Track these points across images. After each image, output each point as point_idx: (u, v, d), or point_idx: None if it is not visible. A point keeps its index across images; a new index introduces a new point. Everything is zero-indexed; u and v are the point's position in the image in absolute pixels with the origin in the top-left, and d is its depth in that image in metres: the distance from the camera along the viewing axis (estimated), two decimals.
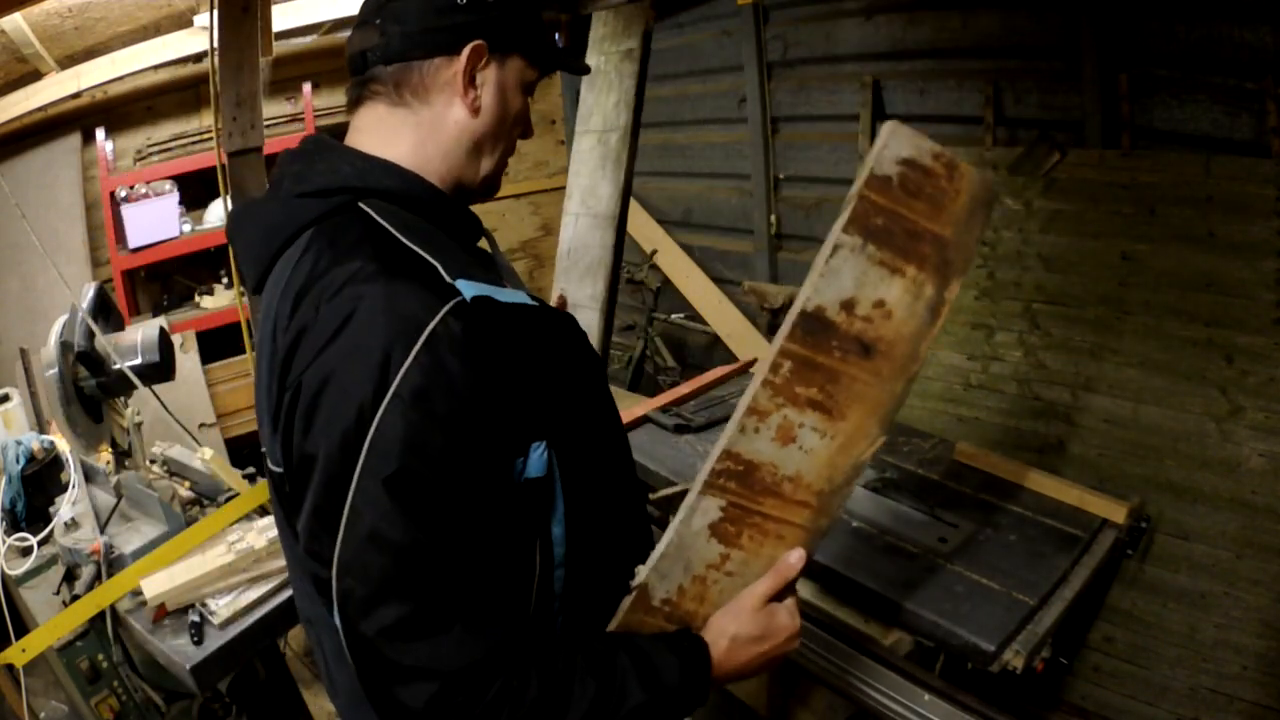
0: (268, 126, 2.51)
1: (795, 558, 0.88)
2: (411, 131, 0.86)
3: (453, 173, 0.89)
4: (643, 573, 0.82)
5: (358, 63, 0.87)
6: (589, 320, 1.70)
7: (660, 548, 0.82)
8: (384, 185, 0.83)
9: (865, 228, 0.77)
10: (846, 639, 1.48)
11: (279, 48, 3.06)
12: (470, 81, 0.85)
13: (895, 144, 0.78)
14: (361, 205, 0.81)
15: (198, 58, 3.12)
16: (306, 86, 3.57)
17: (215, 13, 1.77)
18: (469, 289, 0.73)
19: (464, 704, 0.73)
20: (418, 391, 0.70)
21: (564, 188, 4.37)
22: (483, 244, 1.01)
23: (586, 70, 0.96)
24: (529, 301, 0.81)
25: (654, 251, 3.86)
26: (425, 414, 0.70)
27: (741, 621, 0.87)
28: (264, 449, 0.90)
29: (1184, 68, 1.97)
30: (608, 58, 1.75)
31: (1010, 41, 2.34)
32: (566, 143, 4.38)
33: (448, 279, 0.74)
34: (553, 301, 1.29)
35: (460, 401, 0.71)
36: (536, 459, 0.79)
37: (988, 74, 2.39)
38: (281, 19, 2.92)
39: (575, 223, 1.77)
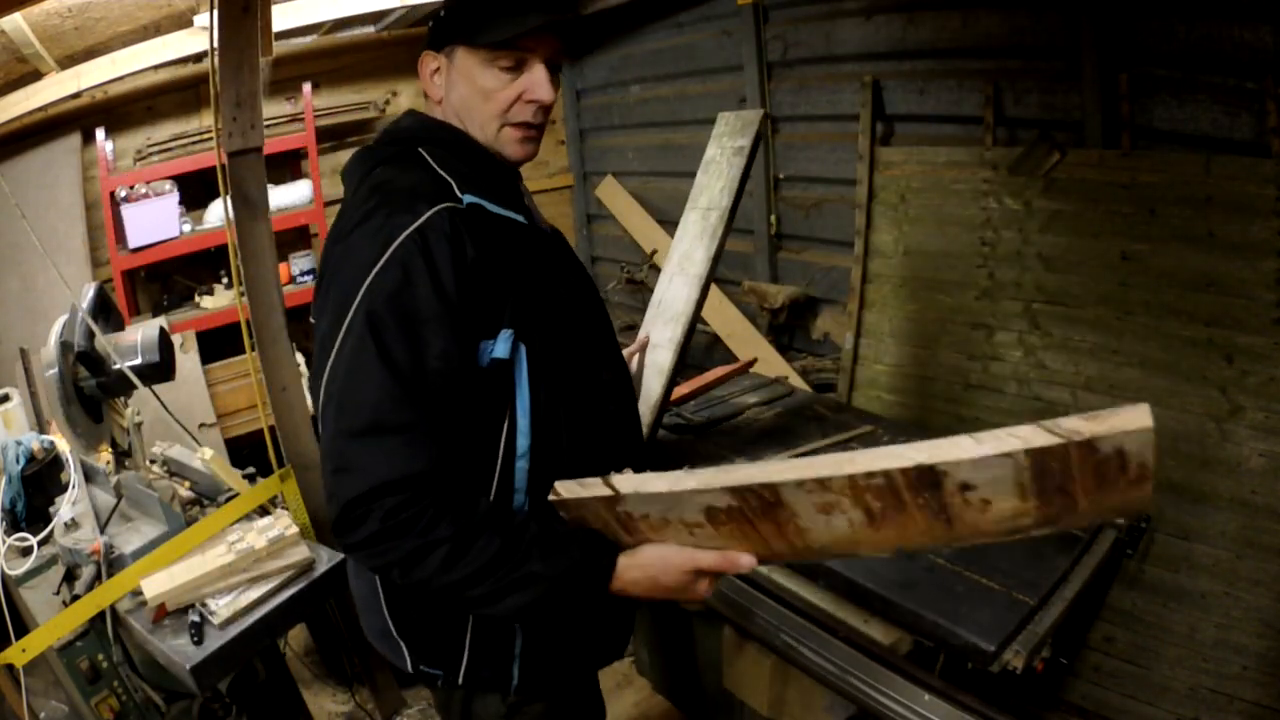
0: (268, 126, 2.51)
1: (746, 561, 0.93)
2: (439, 110, 1.13)
3: (471, 133, 1.10)
4: (626, 486, 0.88)
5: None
6: (663, 359, 2.01)
7: (657, 485, 0.86)
8: (434, 135, 1.10)
9: (1042, 463, 0.73)
10: (846, 639, 1.48)
11: (279, 48, 3.06)
12: (434, 77, 1.10)
13: (1133, 440, 0.69)
14: (420, 149, 1.08)
15: (198, 58, 3.12)
16: (306, 86, 3.57)
17: (215, 13, 1.77)
18: (469, 199, 1.00)
19: (378, 514, 0.90)
20: (406, 259, 0.93)
21: (565, 187, 4.40)
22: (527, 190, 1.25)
23: (523, 33, 1.02)
24: (519, 219, 1.08)
25: (654, 251, 3.86)
26: (409, 272, 0.93)
27: (668, 570, 0.95)
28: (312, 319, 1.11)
29: (1184, 68, 1.97)
30: (722, 150, 2.13)
31: (1010, 41, 2.34)
32: (567, 143, 4.39)
33: (457, 192, 1.01)
34: (635, 342, 1.56)
35: (438, 271, 0.94)
36: (503, 341, 0.99)
37: (988, 74, 2.39)
38: (281, 19, 2.91)
39: (671, 280, 2.12)
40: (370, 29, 3.61)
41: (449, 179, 1.02)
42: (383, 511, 0.90)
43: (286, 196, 3.63)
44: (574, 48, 1.12)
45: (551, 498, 0.94)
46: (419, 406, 0.92)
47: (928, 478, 0.75)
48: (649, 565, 0.96)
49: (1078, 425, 0.69)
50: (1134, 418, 0.68)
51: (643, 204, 4.02)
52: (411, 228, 0.94)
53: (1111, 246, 2.13)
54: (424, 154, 1.07)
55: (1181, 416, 2.04)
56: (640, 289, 3.93)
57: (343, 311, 0.94)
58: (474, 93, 1.07)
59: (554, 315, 1.07)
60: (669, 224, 3.87)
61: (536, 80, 1.06)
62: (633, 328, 3.95)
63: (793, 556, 0.92)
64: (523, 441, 1.03)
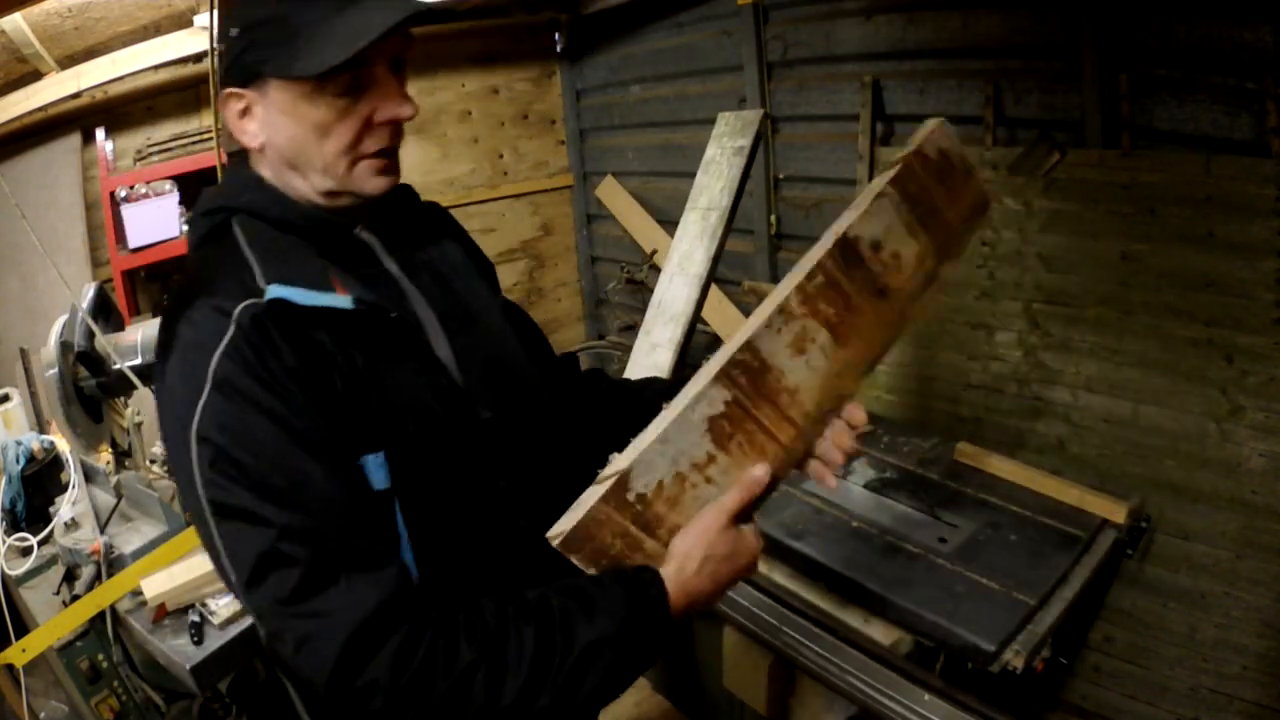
0: None
1: (761, 471, 0.84)
2: (255, 158, 0.91)
3: (294, 189, 0.89)
4: (622, 460, 0.79)
5: None
6: (664, 359, 2.02)
7: (651, 433, 0.79)
8: (244, 199, 0.89)
9: (904, 189, 0.88)
10: (846, 639, 1.48)
11: None
12: (244, 121, 0.87)
13: (940, 135, 0.92)
14: (233, 220, 0.88)
15: (198, 58, 3.12)
16: None
17: (215, 13, 1.77)
18: (273, 291, 0.78)
19: (385, 666, 0.70)
20: (222, 380, 0.75)
21: (565, 187, 4.40)
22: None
23: (364, 48, 0.79)
24: (340, 305, 0.81)
25: (654, 251, 3.86)
26: (231, 398, 0.74)
27: (711, 540, 0.83)
28: None
29: (1184, 68, 1.97)
30: (723, 151, 2.14)
31: (1010, 41, 2.33)
32: (567, 143, 4.38)
33: (260, 280, 0.80)
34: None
35: (261, 386, 0.75)
36: (376, 469, 0.80)
37: (988, 74, 2.39)
38: None
39: (671, 280, 2.14)
40: None
41: (254, 263, 0.82)
42: (388, 661, 0.70)
43: None
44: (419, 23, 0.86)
45: (555, 542, 0.78)
46: (343, 527, 0.75)
47: (849, 250, 0.86)
48: (692, 551, 0.82)
49: (907, 153, 0.89)
50: (930, 124, 0.92)
51: (643, 204, 4.02)
52: (217, 355, 0.75)
53: (1111, 246, 2.13)
54: (236, 227, 0.87)
55: (1181, 416, 2.04)
56: (640, 289, 3.93)
57: (192, 488, 0.75)
58: (306, 132, 0.84)
59: (420, 428, 0.84)
60: (669, 224, 3.86)
61: (386, 95, 0.86)
62: (632, 328, 3.95)
63: (800, 441, 0.89)
64: (414, 576, 0.81)
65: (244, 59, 0.83)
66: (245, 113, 0.86)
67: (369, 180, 0.88)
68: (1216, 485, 1.99)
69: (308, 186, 0.87)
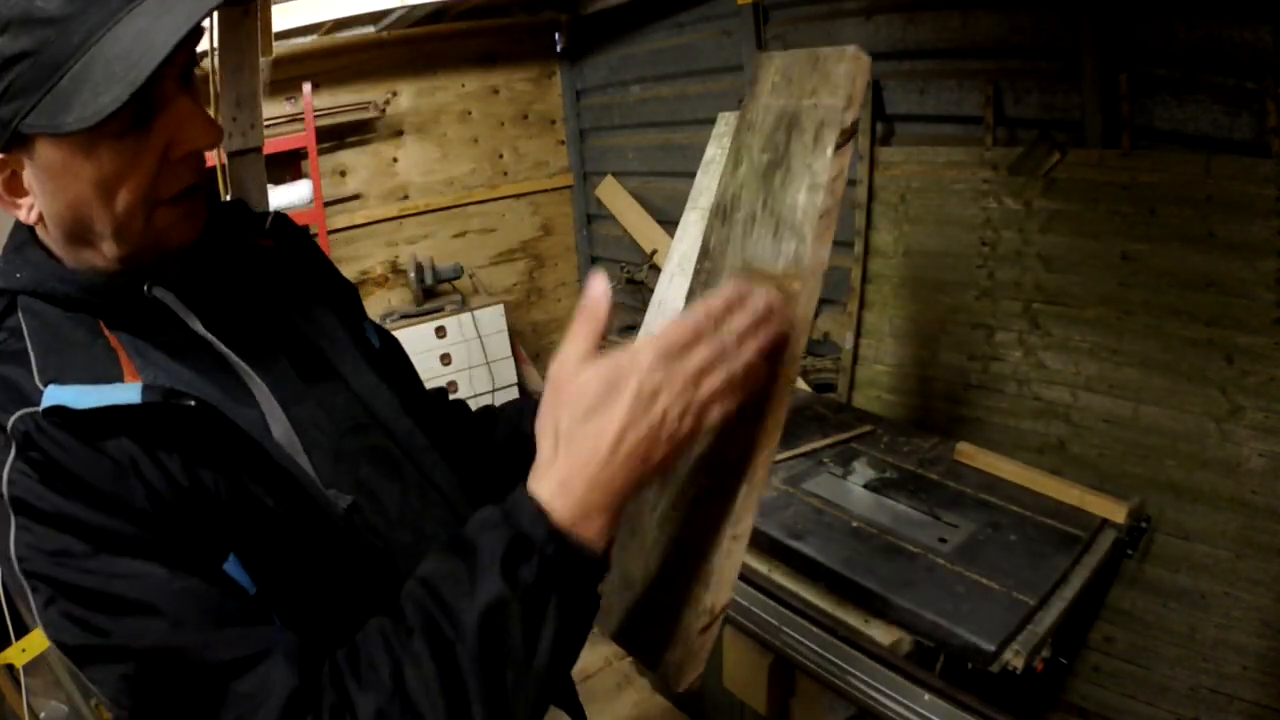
0: (268, 126, 2.52)
1: (598, 283, 0.64)
2: (38, 228, 0.72)
3: (85, 261, 0.71)
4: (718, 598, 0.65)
5: None
6: None
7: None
8: (19, 283, 0.70)
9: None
10: (846, 639, 1.48)
11: (279, 48, 3.06)
12: (15, 193, 0.68)
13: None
14: (18, 305, 0.70)
15: (198, 58, 3.11)
16: (306, 86, 3.57)
17: (215, 13, 1.77)
18: (50, 397, 0.62)
19: None
20: (20, 502, 0.61)
21: (565, 187, 4.40)
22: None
23: (121, 102, 0.59)
24: (129, 400, 0.63)
25: (654, 251, 3.86)
26: (38, 520, 0.60)
27: (561, 398, 0.61)
28: None
29: (1184, 68, 1.97)
30: (723, 150, 2.07)
31: (1010, 41, 2.33)
32: (568, 143, 4.38)
33: (36, 380, 0.64)
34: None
35: (65, 498, 0.61)
36: (237, 574, 0.66)
37: (988, 74, 2.39)
38: (281, 19, 2.91)
39: (671, 280, 2.15)
40: (370, 29, 3.60)
41: (33, 359, 0.66)
42: None
43: (286, 196, 3.63)
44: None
45: (681, 688, 0.65)
46: (211, 629, 0.61)
47: None
48: (544, 428, 0.62)
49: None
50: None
51: (643, 204, 4.02)
52: (4, 476, 0.61)
53: (1111, 246, 2.13)
54: (19, 313, 0.70)
55: (1181, 416, 2.04)
56: (640, 289, 3.93)
57: (45, 627, 0.62)
58: (88, 194, 0.66)
59: (257, 525, 0.68)
60: (669, 224, 3.86)
61: (182, 120, 0.67)
62: (633, 328, 3.95)
63: None
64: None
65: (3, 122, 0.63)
66: (12, 182, 0.67)
67: (175, 229, 0.70)
68: (1216, 485, 1.99)
69: (99, 258, 0.70)
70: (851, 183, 2.78)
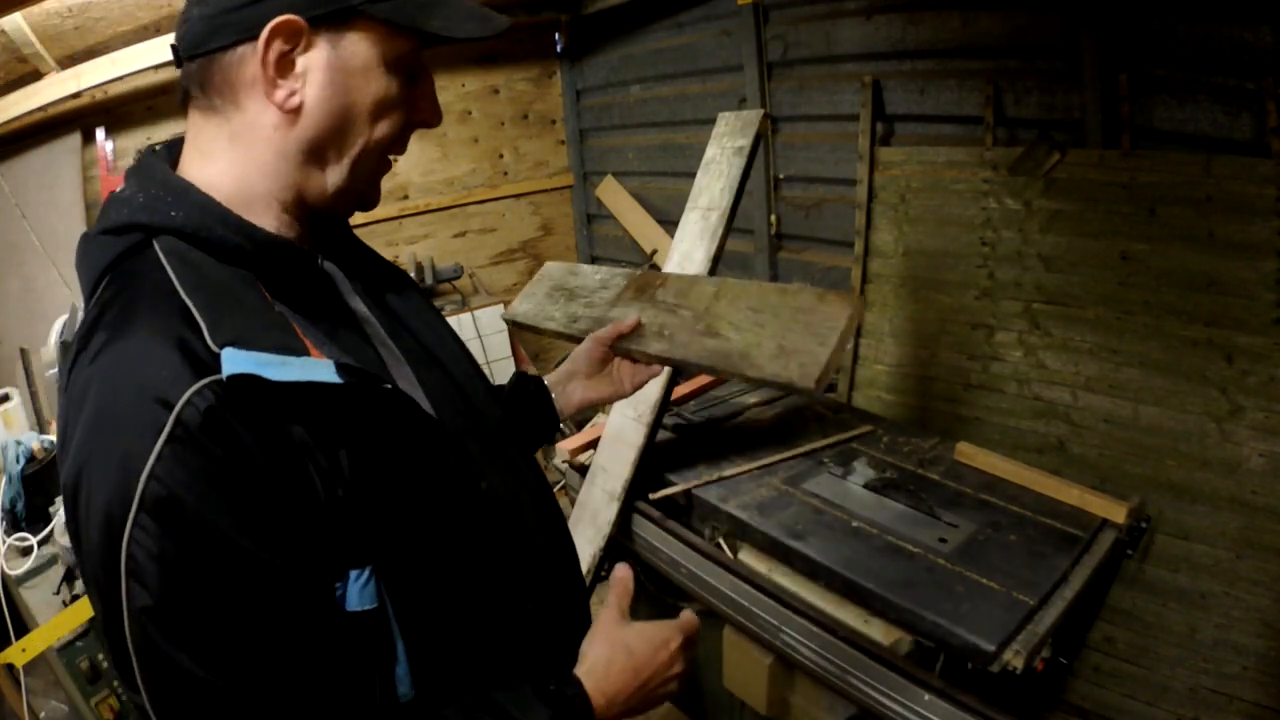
0: None
1: (622, 571, 0.86)
2: (226, 144, 0.66)
3: (286, 192, 0.67)
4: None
5: (175, 57, 0.68)
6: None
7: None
8: (173, 221, 0.63)
9: None
10: (846, 639, 1.48)
11: None
12: (281, 72, 0.63)
13: None
14: (155, 245, 0.62)
15: None
16: None
17: None
18: (234, 362, 0.54)
19: None
20: (163, 501, 0.53)
21: (565, 187, 4.40)
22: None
23: (479, 38, 0.67)
24: (329, 379, 0.58)
25: (654, 251, 3.86)
26: (177, 528, 0.53)
27: (613, 636, 0.80)
28: None
29: (1184, 68, 1.97)
30: (723, 150, 2.09)
31: (1010, 41, 2.33)
32: (567, 143, 4.38)
33: (210, 344, 0.56)
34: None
35: (219, 510, 0.54)
36: (358, 590, 0.61)
37: (988, 74, 2.39)
38: None
39: None
40: None
41: (199, 316, 0.57)
42: None
43: None
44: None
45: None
46: (310, 682, 0.59)
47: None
48: (600, 650, 0.79)
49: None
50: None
51: (643, 204, 4.02)
52: (159, 442, 0.53)
53: (1111, 246, 2.13)
54: (161, 258, 0.61)
55: (1181, 416, 2.04)
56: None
57: (113, 600, 0.55)
58: (364, 107, 0.66)
59: (422, 528, 0.66)
60: (669, 224, 3.87)
61: (429, 95, 0.72)
62: None
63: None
64: (404, 690, 0.67)
65: None
66: (286, 60, 0.63)
67: (374, 191, 0.73)
68: (1216, 485, 1.99)
69: (318, 184, 0.68)
70: (852, 183, 2.79)
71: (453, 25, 0.66)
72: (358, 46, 0.64)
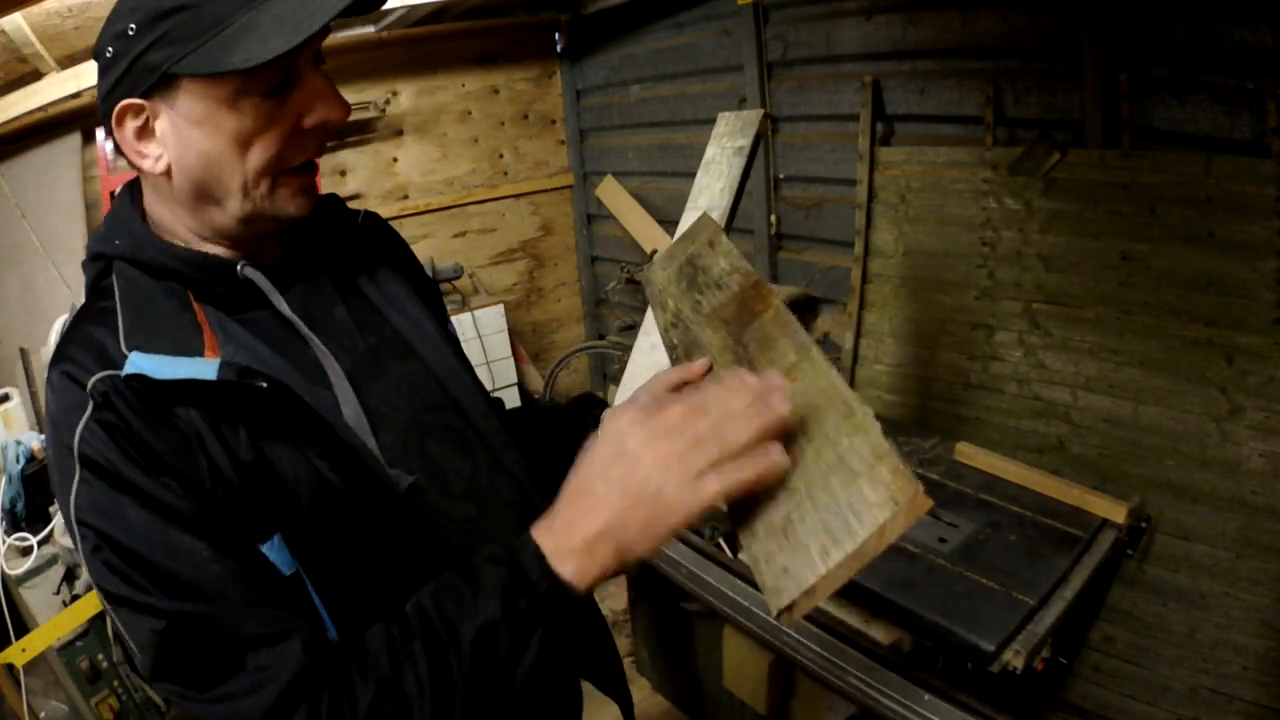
0: None
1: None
2: (149, 191, 0.79)
3: (199, 228, 0.77)
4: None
5: None
6: (664, 359, 1.99)
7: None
8: (118, 249, 0.76)
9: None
10: (846, 639, 1.48)
11: None
12: (144, 142, 0.73)
13: None
14: (113, 270, 0.76)
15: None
16: None
17: None
18: (132, 363, 0.66)
19: None
20: (87, 459, 0.66)
21: (565, 187, 4.40)
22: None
23: (290, 50, 0.65)
24: (206, 376, 0.67)
25: (654, 251, 3.86)
26: (99, 478, 0.66)
27: (593, 470, 0.67)
28: None
29: (1184, 68, 1.97)
30: (723, 150, 2.09)
31: (1010, 41, 2.33)
32: (568, 143, 4.38)
33: (122, 345, 0.69)
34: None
35: (128, 463, 0.66)
36: (275, 554, 0.70)
37: (988, 74, 2.39)
38: None
39: None
40: (370, 29, 3.60)
41: (120, 324, 0.71)
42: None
43: None
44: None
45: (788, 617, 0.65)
46: (239, 609, 0.67)
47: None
48: (568, 491, 0.68)
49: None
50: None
51: (643, 204, 4.02)
52: (78, 431, 0.67)
53: (1111, 246, 2.13)
54: (114, 277, 0.76)
55: (1181, 416, 2.04)
56: (640, 289, 3.93)
57: (93, 568, 0.68)
58: (225, 146, 0.71)
59: (315, 503, 0.72)
60: (669, 224, 3.87)
61: (316, 94, 0.73)
62: (633, 327, 3.95)
63: None
64: (332, 634, 0.73)
65: (147, 59, 0.68)
66: (144, 131, 0.72)
67: (291, 201, 0.76)
68: (1216, 485, 1.99)
69: (222, 217, 0.75)
70: (852, 183, 2.79)
71: (256, 49, 0.65)
72: (191, 102, 0.70)
